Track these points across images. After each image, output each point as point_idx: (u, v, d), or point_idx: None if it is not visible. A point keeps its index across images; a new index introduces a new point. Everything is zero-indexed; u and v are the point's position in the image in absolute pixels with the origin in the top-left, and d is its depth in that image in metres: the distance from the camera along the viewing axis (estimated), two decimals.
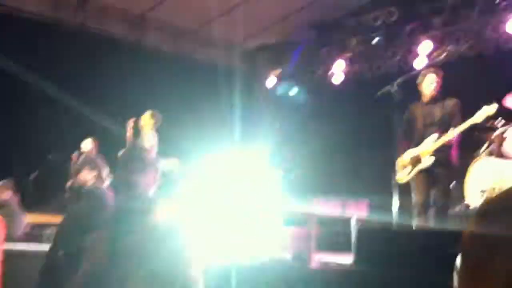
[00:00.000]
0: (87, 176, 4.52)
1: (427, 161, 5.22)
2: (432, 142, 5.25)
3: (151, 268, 2.32)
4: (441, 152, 5.20)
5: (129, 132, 6.92)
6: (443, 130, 5.24)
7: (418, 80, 5.49)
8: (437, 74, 5.47)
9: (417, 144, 5.36)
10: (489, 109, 5.07)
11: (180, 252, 2.42)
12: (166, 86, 8.41)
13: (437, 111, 5.35)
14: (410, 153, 5.37)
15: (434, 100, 5.41)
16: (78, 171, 4.54)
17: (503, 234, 1.31)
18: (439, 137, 5.20)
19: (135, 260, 2.32)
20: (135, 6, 8.61)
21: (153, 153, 6.21)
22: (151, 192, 2.50)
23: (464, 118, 5.19)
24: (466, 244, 1.44)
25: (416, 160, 5.29)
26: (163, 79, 8.44)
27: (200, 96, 8.18)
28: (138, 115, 7.17)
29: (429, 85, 5.41)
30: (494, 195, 1.49)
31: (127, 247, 2.36)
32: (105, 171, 4.66)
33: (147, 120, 7.03)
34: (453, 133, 5.13)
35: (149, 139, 6.87)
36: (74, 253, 4.00)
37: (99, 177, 4.67)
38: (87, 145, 7.39)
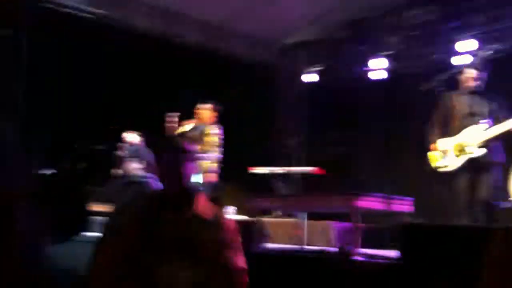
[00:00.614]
0: (135, 167, 4.60)
1: (479, 151, 5.04)
2: (481, 132, 5.07)
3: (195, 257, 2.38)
4: (490, 145, 5.04)
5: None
6: (490, 121, 5.07)
7: (459, 74, 5.37)
8: (478, 70, 5.36)
9: (458, 130, 5.19)
10: None
11: (224, 241, 2.46)
12: (202, 83, 8.45)
13: (481, 102, 5.19)
14: (448, 141, 5.20)
15: (475, 92, 5.26)
16: (126, 161, 4.61)
17: None
18: (490, 127, 5.03)
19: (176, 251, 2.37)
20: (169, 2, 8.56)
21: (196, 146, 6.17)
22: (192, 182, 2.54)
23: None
24: (499, 236, 1.43)
25: (463, 149, 5.11)
26: (201, 77, 8.48)
27: (238, 93, 8.16)
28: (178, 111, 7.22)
29: (469, 78, 5.28)
30: None
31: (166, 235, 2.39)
32: (152, 163, 4.72)
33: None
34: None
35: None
36: None
37: (146, 168, 4.74)
38: (135, 137, 7.48)
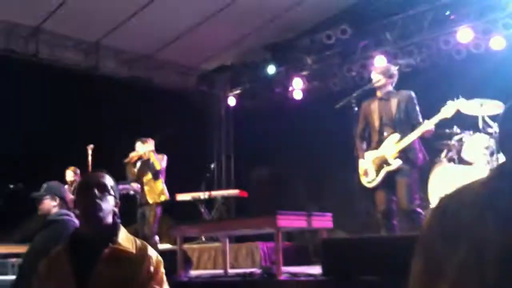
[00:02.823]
0: (50, 204, 4.40)
1: (395, 162, 5.06)
2: (394, 143, 5.10)
3: None
4: (404, 154, 5.05)
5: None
6: (403, 128, 5.11)
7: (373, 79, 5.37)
8: (389, 70, 5.38)
9: (376, 144, 5.22)
10: (457, 103, 4.98)
11: (149, 274, 2.39)
12: (123, 112, 8.38)
13: (394, 106, 5.19)
14: (372, 154, 5.24)
15: (388, 94, 5.27)
16: (42, 200, 4.41)
17: (462, 228, 1.33)
18: (401, 137, 5.06)
19: None
20: (89, 33, 8.55)
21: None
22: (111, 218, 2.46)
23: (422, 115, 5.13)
24: (425, 239, 1.44)
25: (381, 162, 5.17)
26: (121, 106, 8.40)
27: (158, 121, 8.13)
28: (96, 142, 7.10)
29: (379, 85, 5.26)
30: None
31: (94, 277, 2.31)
32: (70, 199, 4.54)
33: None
34: (425, 128, 4.95)
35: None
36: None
37: (63, 205, 4.55)
38: (69, 176, 7.39)
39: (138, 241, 2.51)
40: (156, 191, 6.74)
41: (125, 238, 2.44)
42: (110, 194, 2.45)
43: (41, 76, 8.02)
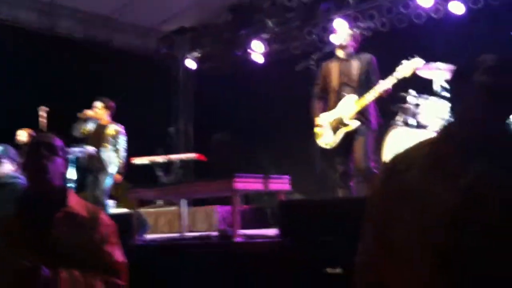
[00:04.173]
0: (6, 168, 4.30)
1: (353, 123, 5.08)
2: (352, 103, 5.11)
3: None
4: (362, 115, 5.09)
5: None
6: (362, 90, 5.11)
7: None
8: (354, 32, 5.42)
9: (334, 103, 5.23)
10: (415, 62, 4.98)
11: (101, 238, 2.37)
12: (81, 74, 8.20)
13: (354, 68, 5.21)
14: (329, 115, 5.24)
15: (350, 55, 5.29)
16: None
17: (408, 189, 1.32)
18: (359, 98, 5.08)
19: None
20: None
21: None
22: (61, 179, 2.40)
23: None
24: (373, 202, 1.44)
25: (338, 123, 5.18)
26: (79, 68, 8.21)
27: (118, 83, 7.99)
28: (50, 104, 6.93)
29: (343, 37, 5.28)
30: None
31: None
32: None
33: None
34: (382, 87, 4.97)
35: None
36: None
37: (18, 169, 4.45)
38: (24, 135, 7.21)
39: (89, 205, 2.48)
40: (114, 161, 6.68)
41: (75, 202, 2.41)
42: (59, 156, 2.38)
43: None
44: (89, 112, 6.71)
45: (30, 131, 7.44)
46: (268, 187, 4.89)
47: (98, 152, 6.64)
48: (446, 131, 1.48)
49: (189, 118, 10.25)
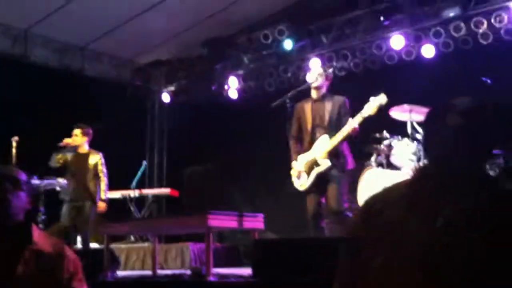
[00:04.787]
0: None
1: (324, 163, 5.11)
2: (324, 143, 5.16)
3: None
4: (334, 157, 5.13)
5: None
6: (333, 131, 5.15)
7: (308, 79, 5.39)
8: (325, 71, 5.45)
9: (308, 145, 5.27)
10: (379, 99, 5.04)
11: (67, 274, 2.31)
12: (55, 103, 8.11)
13: (327, 109, 5.26)
14: (303, 158, 5.27)
15: (323, 96, 5.34)
16: None
17: (385, 229, 1.34)
18: (330, 138, 5.12)
19: None
20: (19, 21, 8.20)
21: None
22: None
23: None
24: (350, 240, 1.45)
25: (312, 165, 5.20)
26: (52, 96, 8.12)
27: (92, 113, 7.91)
28: (23, 133, 6.81)
29: (315, 77, 5.31)
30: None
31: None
32: None
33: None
34: (351, 126, 5.01)
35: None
36: None
37: None
38: None
39: (53, 240, 2.41)
40: (95, 190, 6.50)
41: (40, 237, 2.34)
42: (22, 190, 2.34)
43: None
44: (67, 140, 6.53)
45: None
46: (243, 225, 4.87)
47: (81, 182, 6.45)
48: (421, 172, 1.51)
49: (163, 151, 10.19)
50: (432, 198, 1.33)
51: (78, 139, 6.58)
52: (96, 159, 6.58)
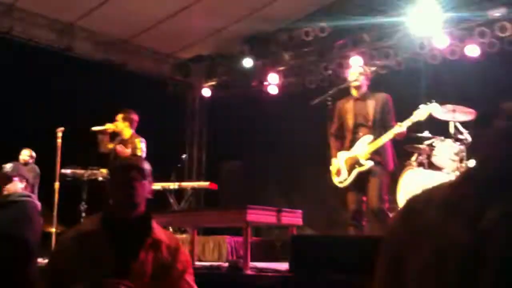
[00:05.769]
0: (17, 186, 4.31)
1: (367, 163, 5.08)
2: (367, 143, 5.13)
3: None
4: (377, 156, 5.10)
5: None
6: (377, 130, 5.14)
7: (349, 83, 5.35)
8: (365, 70, 5.42)
9: (350, 143, 5.25)
10: (431, 107, 5.04)
11: (183, 271, 2.39)
12: (96, 96, 8.26)
13: (369, 107, 5.22)
14: (344, 155, 5.25)
15: (364, 95, 5.30)
16: (9, 179, 4.31)
17: (427, 229, 1.34)
18: (374, 139, 5.10)
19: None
20: (64, 14, 8.39)
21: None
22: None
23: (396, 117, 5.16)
24: (390, 239, 1.45)
25: (353, 163, 5.19)
26: (94, 89, 8.28)
27: (132, 106, 8.05)
28: (67, 125, 6.95)
29: (356, 76, 5.28)
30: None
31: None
32: (31, 182, 4.46)
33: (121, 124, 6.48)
34: (398, 130, 5.00)
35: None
36: None
37: (27, 187, 4.46)
38: (23, 156, 7.20)
39: (168, 232, 2.51)
40: None
41: (158, 229, 2.40)
42: (147, 180, 2.39)
43: (14, 54, 7.85)
44: (109, 125, 6.43)
45: (30, 151, 7.50)
46: (281, 221, 4.89)
47: None
48: (467, 174, 1.50)
49: (202, 145, 10.29)
50: (476, 200, 1.32)
51: (120, 124, 6.45)
52: (135, 143, 6.37)
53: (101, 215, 2.38)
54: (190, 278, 2.40)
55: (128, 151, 6.31)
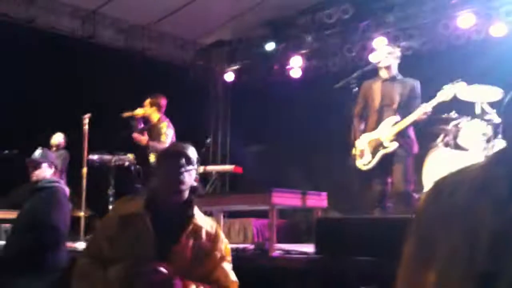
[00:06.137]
0: (46, 172, 4.39)
1: (392, 145, 5.07)
2: (391, 125, 5.11)
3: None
4: (402, 138, 5.09)
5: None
6: (402, 111, 5.12)
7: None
8: (394, 49, 5.37)
9: (374, 124, 5.23)
10: (454, 87, 4.99)
11: (221, 259, 2.44)
12: (119, 82, 8.32)
13: (397, 90, 5.20)
14: (368, 137, 5.24)
15: (394, 77, 5.27)
16: (38, 165, 4.39)
17: (456, 210, 1.33)
18: (400, 120, 5.08)
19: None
20: (86, 2, 8.45)
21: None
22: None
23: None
24: (419, 220, 1.45)
25: (377, 145, 5.18)
26: (116, 76, 8.34)
27: (155, 92, 8.10)
28: (92, 111, 7.01)
29: (384, 56, 5.23)
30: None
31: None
32: (62, 166, 4.54)
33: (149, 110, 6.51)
34: (423, 110, 4.98)
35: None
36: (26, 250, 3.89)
37: (56, 173, 4.54)
38: (56, 139, 7.31)
39: (209, 219, 2.53)
40: None
41: (199, 215, 2.46)
42: (193, 167, 2.43)
43: (37, 42, 7.93)
44: (138, 111, 6.49)
45: (64, 135, 7.63)
46: (306, 203, 4.90)
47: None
48: (497, 156, 1.47)
49: (225, 129, 10.33)
50: (506, 182, 1.30)
51: (148, 109, 6.50)
52: (159, 128, 6.40)
53: (144, 198, 2.43)
54: (227, 266, 2.43)
55: (144, 138, 6.38)
